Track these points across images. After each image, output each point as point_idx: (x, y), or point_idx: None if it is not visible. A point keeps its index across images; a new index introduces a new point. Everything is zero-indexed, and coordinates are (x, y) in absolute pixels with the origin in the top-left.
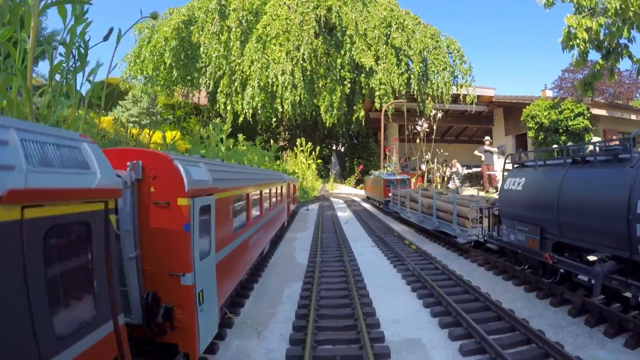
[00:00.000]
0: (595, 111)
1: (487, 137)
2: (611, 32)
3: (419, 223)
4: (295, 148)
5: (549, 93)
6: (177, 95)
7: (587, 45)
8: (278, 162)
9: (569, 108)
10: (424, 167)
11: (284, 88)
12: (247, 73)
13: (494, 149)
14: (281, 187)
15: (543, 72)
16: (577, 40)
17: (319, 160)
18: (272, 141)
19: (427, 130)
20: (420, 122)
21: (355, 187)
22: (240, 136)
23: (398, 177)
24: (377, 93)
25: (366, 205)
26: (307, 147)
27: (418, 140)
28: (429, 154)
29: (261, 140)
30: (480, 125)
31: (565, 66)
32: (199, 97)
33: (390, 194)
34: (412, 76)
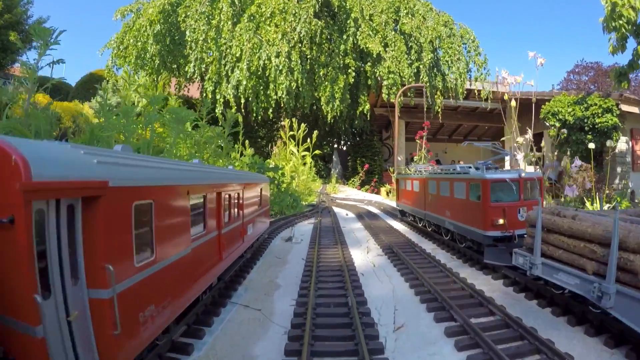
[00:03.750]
0: (625, 107)
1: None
2: None
3: None
4: (282, 134)
5: None
6: (168, 87)
7: (629, 27)
8: (246, 150)
9: (596, 104)
10: (519, 156)
11: (279, 72)
12: (237, 56)
13: (506, 152)
14: None
15: (548, 74)
16: (621, 21)
17: (317, 151)
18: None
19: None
20: (503, 75)
21: (360, 189)
22: (174, 100)
23: (524, 176)
24: (384, 83)
25: (400, 228)
26: (299, 132)
27: (512, 103)
28: (529, 131)
29: (257, 137)
30: (492, 123)
31: (570, 67)
32: (188, 89)
33: (522, 219)
34: (422, 66)
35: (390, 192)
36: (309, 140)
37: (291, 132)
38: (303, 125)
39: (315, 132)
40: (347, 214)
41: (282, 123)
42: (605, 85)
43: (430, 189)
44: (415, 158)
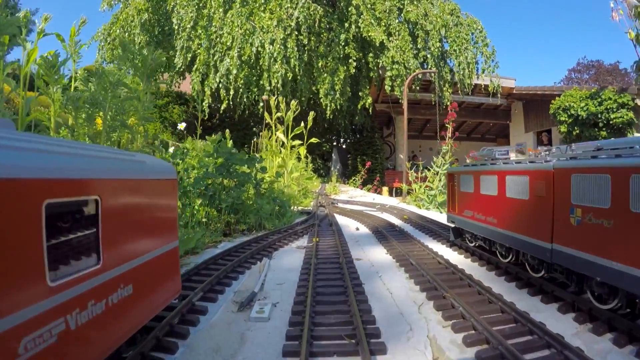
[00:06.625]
0: None
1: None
2: None
3: None
4: (266, 115)
5: None
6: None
7: None
8: (227, 138)
9: (610, 98)
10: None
11: (273, 60)
12: (228, 44)
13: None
14: None
15: (548, 71)
16: None
17: (314, 139)
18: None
19: None
20: None
21: (362, 189)
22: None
23: None
24: (388, 74)
25: (463, 264)
26: (289, 114)
27: None
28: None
29: (252, 135)
30: (497, 120)
31: (572, 65)
32: (179, 84)
33: None
34: (430, 55)
35: (404, 192)
36: (302, 124)
37: (278, 114)
38: (294, 103)
39: (312, 114)
40: (357, 229)
41: (264, 97)
42: (607, 84)
43: (576, 197)
44: (444, 149)
